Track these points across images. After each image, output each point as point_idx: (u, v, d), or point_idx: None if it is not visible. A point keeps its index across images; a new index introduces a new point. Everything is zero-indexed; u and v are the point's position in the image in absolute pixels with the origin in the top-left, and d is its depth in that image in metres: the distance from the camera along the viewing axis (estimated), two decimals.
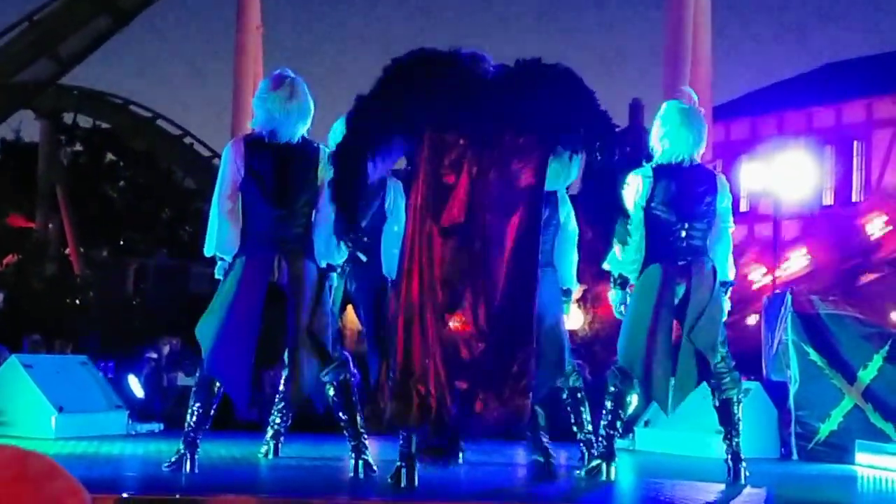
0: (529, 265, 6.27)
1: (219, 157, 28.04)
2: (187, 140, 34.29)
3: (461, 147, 6.25)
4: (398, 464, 6.37)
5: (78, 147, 37.90)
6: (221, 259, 7.02)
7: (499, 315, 6.17)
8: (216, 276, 7.08)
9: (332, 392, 7.12)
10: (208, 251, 7.08)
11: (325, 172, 6.98)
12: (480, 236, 6.21)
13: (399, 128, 6.39)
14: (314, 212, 7.04)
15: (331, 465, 7.96)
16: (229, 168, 7.00)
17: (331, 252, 7.02)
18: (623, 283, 7.43)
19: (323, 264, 7.05)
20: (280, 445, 8.22)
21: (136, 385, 10.66)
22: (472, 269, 6.19)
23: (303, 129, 7.08)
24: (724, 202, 7.69)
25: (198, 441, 7.02)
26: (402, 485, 6.27)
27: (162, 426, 10.41)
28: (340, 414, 7.15)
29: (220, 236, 6.96)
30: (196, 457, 6.95)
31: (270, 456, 8.12)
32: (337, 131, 7.36)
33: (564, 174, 6.57)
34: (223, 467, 7.53)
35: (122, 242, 36.92)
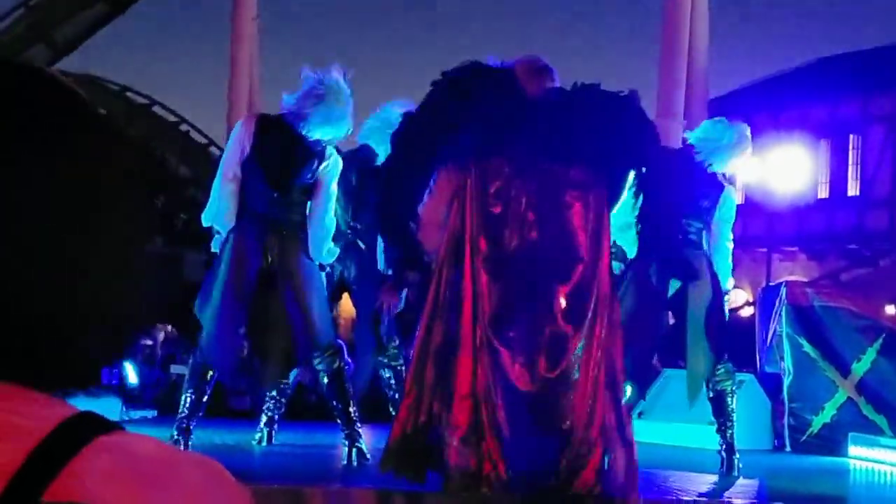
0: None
1: (214, 144, 27.90)
2: (183, 127, 34.25)
3: (509, 175, 5.88)
4: None
5: None
6: (217, 233, 7.04)
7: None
8: (213, 249, 7.12)
9: (325, 380, 7.13)
10: (206, 221, 7.10)
11: (326, 173, 7.02)
12: (530, 270, 5.83)
13: (450, 147, 6.00)
14: (309, 206, 7.07)
15: (324, 453, 7.95)
16: (235, 144, 7.05)
17: (321, 253, 7.06)
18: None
19: (315, 261, 7.09)
20: (274, 433, 8.22)
21: (130, 371, 10.65)
22: (520, 301, 5.83)
23: (322, 134, 7.09)
24: (724, 215, 7.78)
25: (191, 428, 7.02)
26: None
27: (155, 412, 10.40)
28: (334, 402, 7.15)
29: (219, 209, 6.99)
30: (190, 444, 6.94)
31: (264, 443, 8.11)
32: (369, 129, 7.51)
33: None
34: (216, 455, 7.50)
35: None
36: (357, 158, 7.80)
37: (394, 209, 6.10)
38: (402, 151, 6.13)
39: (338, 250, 7.30)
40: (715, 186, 7.79)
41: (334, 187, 7.17)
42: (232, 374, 7.48)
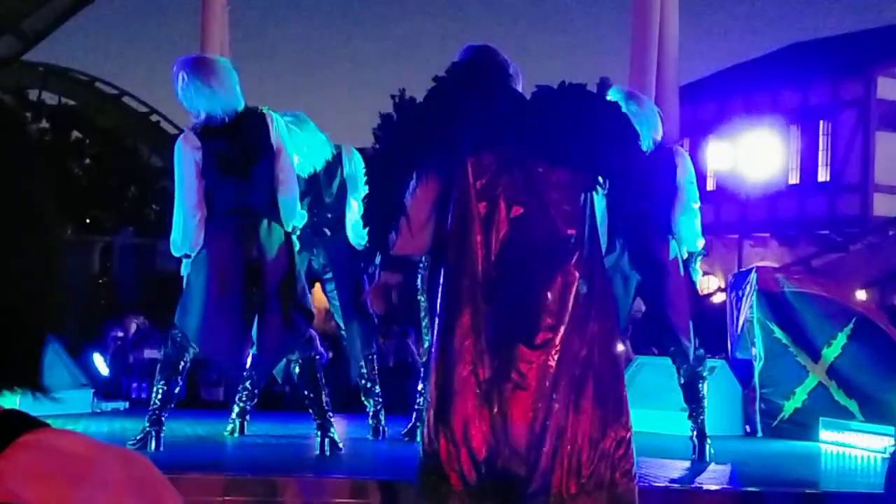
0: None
1: None
2: (154, 118, 34.13)
3: (497, 172, 5.87)
4: None
5: (44, 124, 37.66)
6: (187, 256, 6.99)
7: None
8: (183, 272, 7.05)
9: (297, 370, 7.12)
10: (177, 252, 7.02)
11: (277, 136, 7.03)
12: (520, 265, 5.81)
13: (441, 149, 5.95)
14: (274, 178, 7.04)
15: (296, 443, 7.94)
16: (185, 160, 6.99)
17: (294, 214, 7.04)
18: None
19: (289, 227, 7.05)
20: (246, 423, 8.21)
21: (101, 363, 10.61)
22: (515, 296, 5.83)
23: (236, 102, 7.06)
24: (684, 177, 7.72)
25: (163, 419, 7.01)
26: None
27: (127, 404, 10.37)
28: (305, 391, 7.15)
29: (189, 232, 6.91)
30: (162, 435, 6.94)
31: (236, 434, 8.11)
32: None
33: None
34: (188, 446, 7.51)
35: (87, 221, 36.73)
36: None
37: (378, 213, 6.05)
38: (389, 152, 6.11)
39: (305, 213, 7.30)
40: (665, 157, 7.75)
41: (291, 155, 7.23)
42: (237, 370, 7.53)
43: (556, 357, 5.70)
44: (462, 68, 6.07)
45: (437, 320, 5.84)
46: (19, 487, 0.90)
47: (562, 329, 5.74)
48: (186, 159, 6.98)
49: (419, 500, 5.64)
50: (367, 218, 6.06)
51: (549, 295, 5.79)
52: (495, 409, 5.63)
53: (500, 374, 5.66)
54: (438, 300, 5.85)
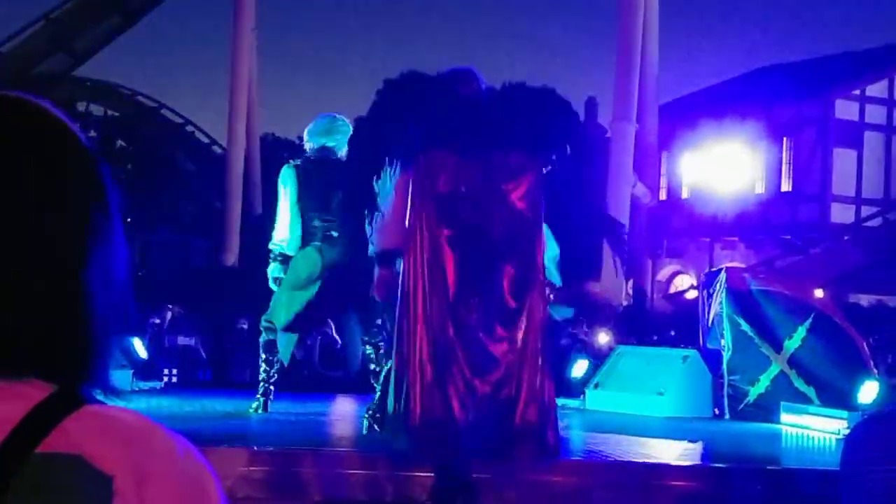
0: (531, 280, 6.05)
1: (217, 143, 27.58)
2: (189, 128, 34.13)
3: (454, 165, 5.96)
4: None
5: (92, 133, 37.66)
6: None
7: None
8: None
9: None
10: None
11: None
12: (483, 249, 5.94)
13: (399, 146, 6.08)
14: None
15: (313, 420, 7.94)
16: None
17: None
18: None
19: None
20: (269, 402, 8.18)
21: (139, 347, 10.60)
22: (478, 278, 5.95)
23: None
24: None
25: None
26: None
27: (162, 384, 10.36)
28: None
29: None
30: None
31: (260, 411, 8.08)
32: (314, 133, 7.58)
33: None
34: (219, 420, 7.49)
35: (129, 220, 36.74)
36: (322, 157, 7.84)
37: (356, 209, 6.25)
38: (358, 153, 6.28)
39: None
40: None
41: None
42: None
43: (514, 341, 5.87)
44: (416, 77, 6.19)
45: (397, 308, 5.99)
46: (83, 443, 0.94)
47: (522, 314, 5.89)
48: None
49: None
50: (352, 211, 6.38)
51: (506, 280, 5.89)
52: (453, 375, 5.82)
53: (454, 355, 5.80)
54: (400, 290, 5.99)
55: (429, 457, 5.75)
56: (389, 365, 6.35)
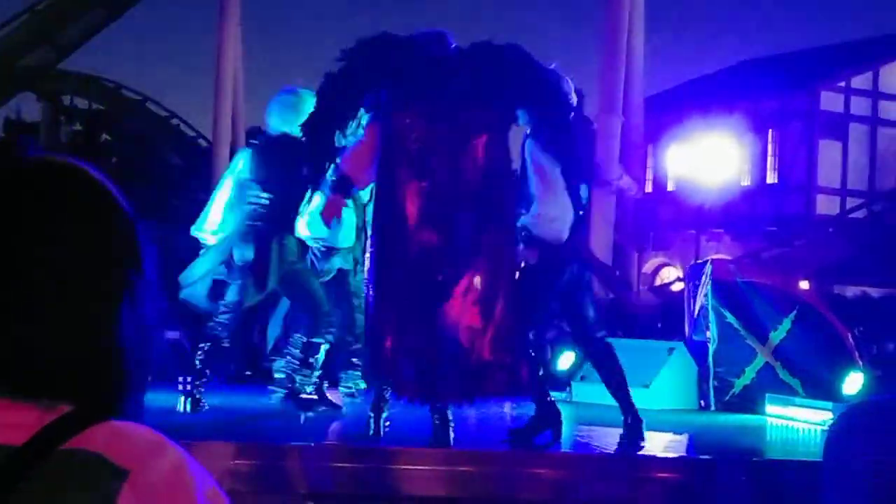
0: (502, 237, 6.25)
1: (203, 137, 27.55)
2: (174, 121, 34.02)
3: (425, 123, 6.16)
4: (369, 414, 6.37)
5: (77, 127, 37.52)
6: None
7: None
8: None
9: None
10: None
11: None
12: (450, 203, 6.14)
13: (365, 103, 6.30)
14: None
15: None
16: None
17: None
18: None
19: None
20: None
21: None
22: (446, 230, 6.15)
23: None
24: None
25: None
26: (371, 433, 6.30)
27: (149, 378, 10.31)
28: None
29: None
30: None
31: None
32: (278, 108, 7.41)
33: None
34: (203, 414, 7.47)
35: None
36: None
37: (317, 152, 6.41)
38: (324, 105, 6.37)
39: None
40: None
41: None
42: None
43: (482, 286, 6.08)
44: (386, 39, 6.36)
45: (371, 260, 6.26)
46: (104, 447, 1.04)
47: (491, 261, 6.12)
48: None
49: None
50: (310, 165, 6.46)
51: (474, 231, 6.11)
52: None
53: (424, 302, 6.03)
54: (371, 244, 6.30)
55: (402, 394, 6.15)
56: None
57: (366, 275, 6.44)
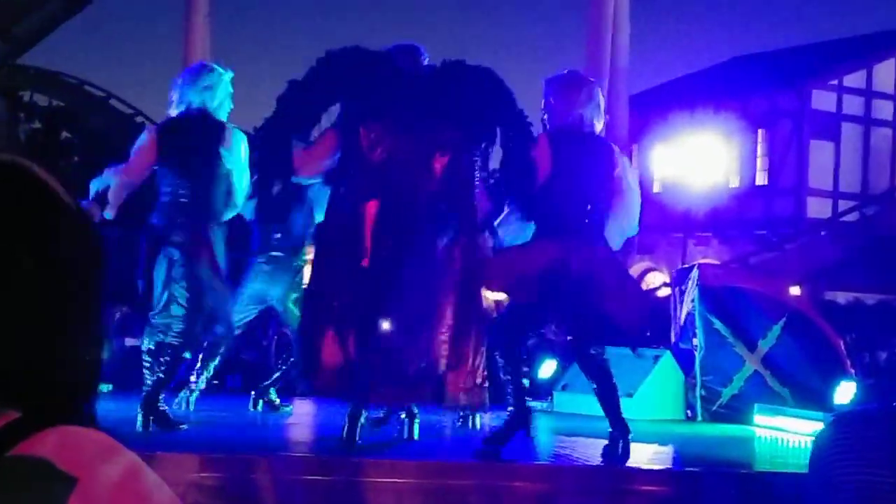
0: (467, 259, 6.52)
1: None
2: (139, 119, 33.89)
3: (390, 137, 6.39)
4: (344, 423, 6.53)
5: (37, 124, 37.33)
6: None
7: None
8: None
9: None
10: None
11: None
12: (407, 218, 6.38)
13: (323, 115, 6.61)
14: None
15: (273, 423, 7.91)
16: None
17: None
18: None
19: None
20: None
21: None
22: (400, 244, 6.37)
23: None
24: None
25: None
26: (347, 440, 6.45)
27: (111, 387, 10.27)
28: None
29: None
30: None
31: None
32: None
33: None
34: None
35: None
36: None
37: (270, 158, 6.69)
38: (283, 111, 6.53)
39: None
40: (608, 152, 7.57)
41: None
42: None
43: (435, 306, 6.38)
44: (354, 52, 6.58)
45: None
46: (52, 453, 1.04)
47: (446, 276, 6.39)
48: None
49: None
50: (262, 169, 6.84)
51: (430, 248, 6.36)
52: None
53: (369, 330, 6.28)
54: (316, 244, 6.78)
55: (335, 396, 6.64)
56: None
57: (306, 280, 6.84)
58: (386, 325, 6.30)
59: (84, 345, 1.13)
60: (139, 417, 6.84)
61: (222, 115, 7.22)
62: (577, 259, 6.36)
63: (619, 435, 6.51)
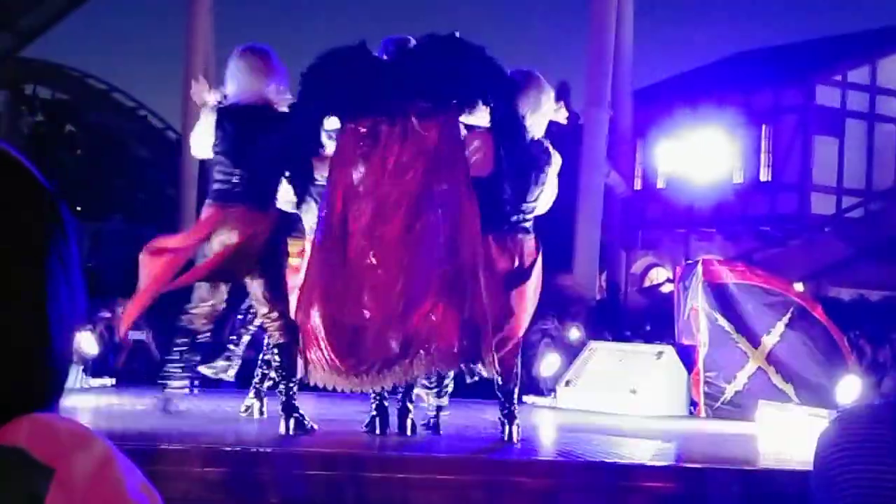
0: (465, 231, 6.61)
1: (171, 128, 27.48)
2: (142, 112, 33.93)
3: (375, 123, 6.59)
4: (372, 413, 6.85)
5: (40, 117, 37.36)
6: None
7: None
8: None
9: None
10: None
11: None
12: (405, 200, 6.58)
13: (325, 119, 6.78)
14: None
15: (272, 418, 7.91)
16: None
17: None
18: None
19: None
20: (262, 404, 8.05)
21: (89, 342, 10.55)
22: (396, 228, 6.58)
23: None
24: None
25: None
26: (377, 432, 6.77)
27: (114, 381, 10.30)
28: None
29: None
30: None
31: (254, 415, 7.93)
32: None
33: None
34: (170, 419, 7.45)
35: (78, 209, 36.49)
36: None
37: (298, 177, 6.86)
38: (294, 133, 6.76)
39: None
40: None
41: None
42: None
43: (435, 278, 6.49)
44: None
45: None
46: (27, 441, 1.02)
47: (445, 251, 6.52)
48: None
49: None
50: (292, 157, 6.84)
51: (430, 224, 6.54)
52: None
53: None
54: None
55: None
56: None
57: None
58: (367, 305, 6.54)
59: (55, 327, 1.09)
60: (282, 421, 6.81)
61: None
62: None
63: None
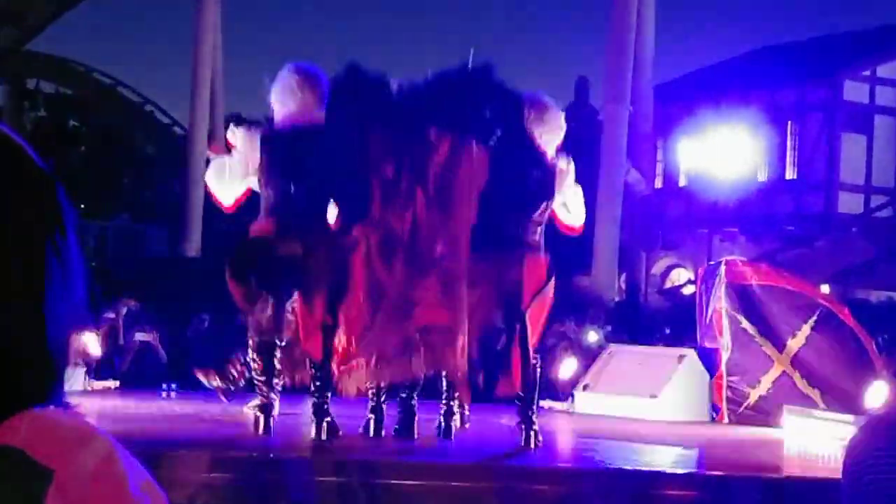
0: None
1: (178, 124, 27.56)
2: (148, 108, 34.00)
3: (394, 152, 7.06)
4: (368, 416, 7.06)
5: (42, 113, 37.46)
6: None
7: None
8: None
9: None
10: None
11: None
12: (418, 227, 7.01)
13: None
14: None
15: (281, 422, 7.92)
16: None
17: None
18: None
19: None
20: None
21: (93, 343, 10.56)
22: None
23: None
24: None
25: None
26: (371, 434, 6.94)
27: (118, 383, 10.32)
28: None
29: None
30: None
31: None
32: None
33: None
34: (176, 423, 7.47)
35: (83, 206, 36.58)
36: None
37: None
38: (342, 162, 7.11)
39: None
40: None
41: None
42: None
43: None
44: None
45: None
46: (26, 441, 1.01)
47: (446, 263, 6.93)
48: None
49: None
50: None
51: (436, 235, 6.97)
52: None
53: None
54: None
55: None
56: None
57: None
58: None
59: (54, 319, 1.08)
60: (313, 426, 6.86)
61: None
62: None
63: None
